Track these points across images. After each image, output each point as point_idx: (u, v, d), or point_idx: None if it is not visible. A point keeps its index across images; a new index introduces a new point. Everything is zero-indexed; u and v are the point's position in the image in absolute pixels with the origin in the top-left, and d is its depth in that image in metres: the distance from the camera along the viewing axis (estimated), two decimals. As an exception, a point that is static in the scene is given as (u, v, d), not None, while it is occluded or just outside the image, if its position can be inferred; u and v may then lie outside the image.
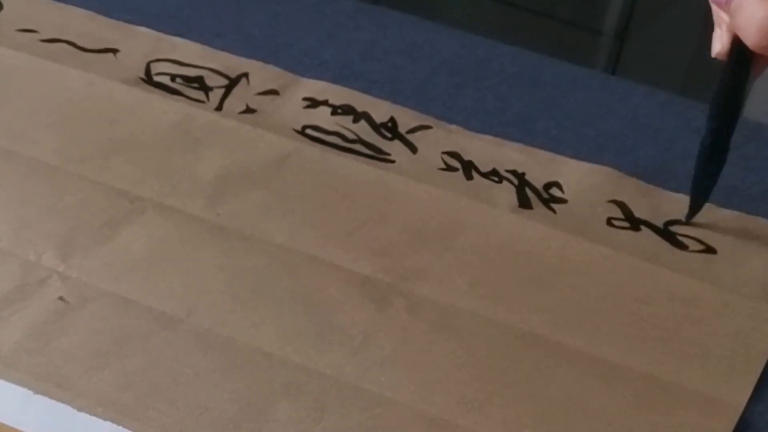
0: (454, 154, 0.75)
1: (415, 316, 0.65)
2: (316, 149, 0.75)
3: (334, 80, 0.80)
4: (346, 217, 0.70)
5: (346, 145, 0.75)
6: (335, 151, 0.75)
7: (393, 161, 0.74)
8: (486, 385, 0.62)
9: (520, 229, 0.71)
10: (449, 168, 0.74)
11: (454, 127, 0.77)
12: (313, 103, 0.78)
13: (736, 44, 0.66)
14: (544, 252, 0.69)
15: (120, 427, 0.58)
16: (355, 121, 0.77)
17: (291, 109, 0.77)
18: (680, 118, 0.80)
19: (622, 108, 0.81)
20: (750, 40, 0.63)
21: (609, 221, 0.72)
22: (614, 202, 0.73)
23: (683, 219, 0.72)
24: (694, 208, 0.72)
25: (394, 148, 0.75)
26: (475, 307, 0.66)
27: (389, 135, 0.76)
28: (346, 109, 0.78)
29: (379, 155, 0.75)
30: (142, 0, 0.85)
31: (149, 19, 0.83)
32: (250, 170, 0.73)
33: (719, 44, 0.67)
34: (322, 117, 0.77)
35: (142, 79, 0.79)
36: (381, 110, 0.78)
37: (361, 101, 0.78)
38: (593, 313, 0.66)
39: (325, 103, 0.78)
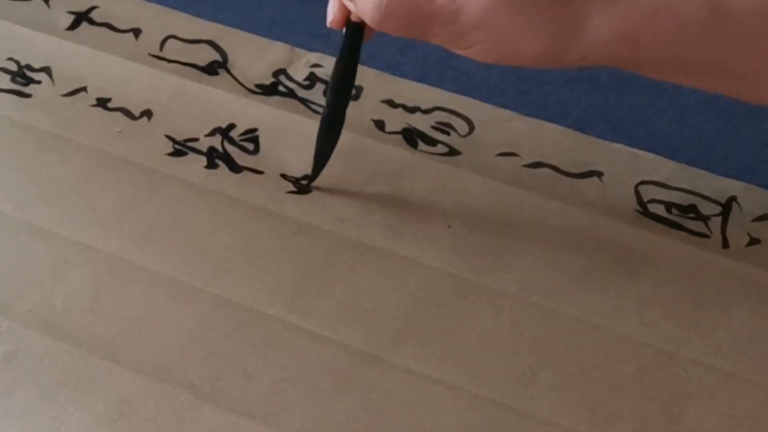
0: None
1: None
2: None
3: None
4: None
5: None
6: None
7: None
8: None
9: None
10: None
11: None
12: None
13: (349, 19, 0.73)
14: None
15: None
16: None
17: None
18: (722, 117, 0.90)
19: (669, 109, 0.91)
20: (368, 16, 0.68)
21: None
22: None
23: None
24: (316, 172, 0.80)
25: None
26: None
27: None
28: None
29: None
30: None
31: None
32: None
33: (332, 14, 0.74)
34: None
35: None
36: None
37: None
38: None
39: None
